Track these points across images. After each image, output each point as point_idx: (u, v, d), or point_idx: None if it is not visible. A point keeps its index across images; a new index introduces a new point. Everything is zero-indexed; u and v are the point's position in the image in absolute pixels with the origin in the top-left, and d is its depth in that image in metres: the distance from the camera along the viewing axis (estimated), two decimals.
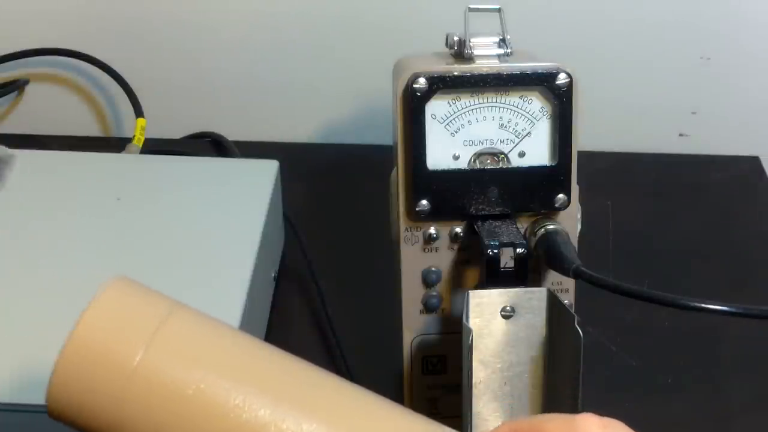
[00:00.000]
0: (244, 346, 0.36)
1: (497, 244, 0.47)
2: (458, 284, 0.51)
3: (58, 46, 0.81)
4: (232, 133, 0.82)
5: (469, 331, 0.44)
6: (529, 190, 0.49)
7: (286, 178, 0.68)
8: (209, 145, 0.82)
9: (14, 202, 0.62)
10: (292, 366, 0.36)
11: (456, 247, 0.50)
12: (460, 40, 0.48)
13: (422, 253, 0.50)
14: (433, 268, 0.50)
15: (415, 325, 0.51)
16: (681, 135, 0.85)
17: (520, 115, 0.49)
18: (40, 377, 0.48)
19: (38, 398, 0.47)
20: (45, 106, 0.86)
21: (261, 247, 0.59)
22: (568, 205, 0.50)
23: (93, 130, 0.87)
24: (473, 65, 0.48)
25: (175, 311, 0.35)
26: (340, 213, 0.75)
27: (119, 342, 0.34)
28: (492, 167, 0.49)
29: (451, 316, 0.51)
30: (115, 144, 0.78)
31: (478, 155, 0.49)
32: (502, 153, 0.49)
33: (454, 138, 0.49)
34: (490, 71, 0.48)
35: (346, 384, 0.36)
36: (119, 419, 0.33)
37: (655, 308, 0.44)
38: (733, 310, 0.42)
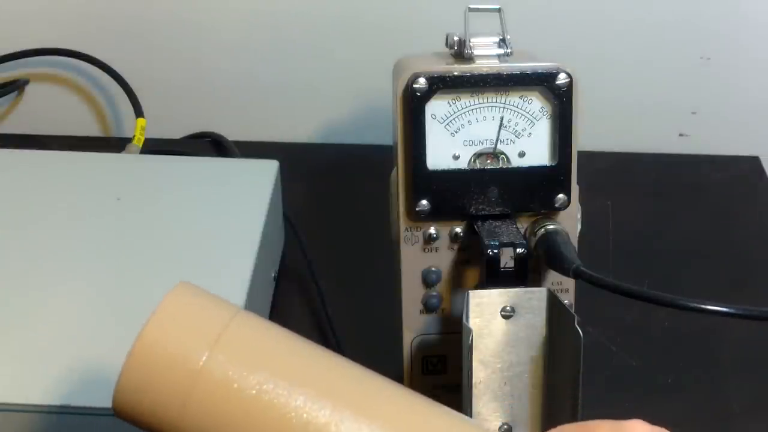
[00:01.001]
0: (304, 349, 0.37)
1: (497, 244, 0.47)
2: (458, 284, 0.51)
3: (58, 46, 0.81)
4: (232, 133, 0.82)
5: (469, 331, 0.44)
6: (529, 190, 0.49)
7: (286, 178, 0.68)
8: (209, 145, 0.82)
9: (14, 202, 0.62)
10: (350, 369, 0.37)
11: (456, 247, 0.50)
12: (460, 40, 0.48)
13: (422, 253, 0.50)
14: (433, 268, 0.50)
15: (415, 325, 0.51)
16: (681, 135, 0.85)
17: (520, 115, 0.49)
18: (44, 378, 0.48)
19: (44, 399, 0.47)
20: (45, 106, 0.86)
21: (261, 247, 0.59)
22: (568, 205, 0.50)
23: (93, 130, 0.87)
24: (473, 65, 0.48)
25: (237, 315, 0.36)
26: (340, 213, 0.75)
27: (185, 344, 0.35)
28: (492, 167, 0.49)
29: (451, 316, 0.51)
30: (115, 144, 0.78)
31: (478, 155, 0.49)
32: (502, 153, 0.49)
33: (454, 138, 0.49)
34: (490, 71, 0.48)
35: (401, 387, 0.37)
36: (183, 418, 0.34)
37: (655, 308, 0.44)
38: (732, 311, 0.42)
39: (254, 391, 0.34)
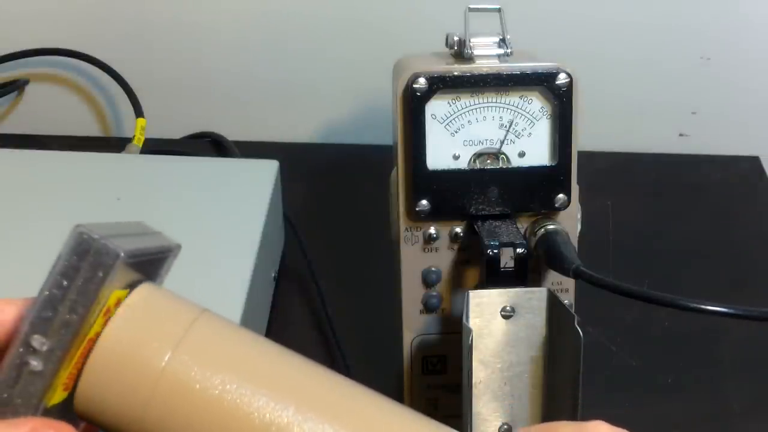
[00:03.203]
0: (268, 351, 0.37)
1: (497, 244, 0.47)
2: (458, 284, 0.51)
3: (58, 46, 0.81)
4: (232, 133, 0.82)
5: (469, 331, 0.44)
6: (529, 190, 0.49)
7: (286, 178, 0.68)
8: (209, 145, 0.82)
9: (14, 202, 0.62)
10: (314, 371, 0.37)
11: (456, 247, 0.50)
12: (460, 40, 0.48)
13: (422, 253, 0.50)
14: (433, 268, 0.50)
15: (415, 325, 0.51)
16: (681, 135, 0.85)
17: (520, 115, 0.49)
18: None
19: None
20: (45, 106, 0.86)
21: (261, 247, 0.59)
22: (568, 205, 0.50)
23: (93, 130, 0.87)
24: (473, 65, 0.48)
25: (201, 316, 0.36)
26: (340, 213, 0.75)
27: (148, 344, 0.35)
28: (492, 167, 0.49)
29: (451, 316, 0.51)
30: (115, 144, 0.78)
31: (478, 155, 0.49)
32: (502, 153, 0.49)
33: (454, 138, 0.49)
34: (490, 71, 0.48)
35: (364, 389, 0.37)
36: (146, 419, 0.34)
37: (655, 308, 0.44)
38: (732, 311, 0.42)
39: (217, 391, 0.34)
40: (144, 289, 0.36)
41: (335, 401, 0.35)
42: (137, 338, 0.35)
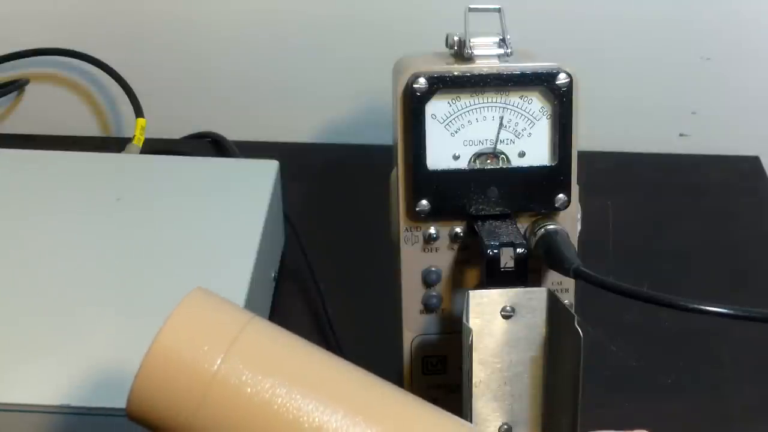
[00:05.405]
0: (316, 355, 0.38)
1: (497, 244, 0.47)
2: (458, 284, 0.51)
3: (58, 46, 0.81)
4: (232, 133, 0.82)
5: (469, 331, 0.44)
6: (529, 190, 0.49)
7: (286, 178, 0.68)
8: (209, 145, 0.82)
9: (14, 201, 0.62)
10: (360, 376, 0.38)
11: (456, 247, 0.50)
12: (460, 40, 0.49)
13: (422, 253, 0.50)
14: (433, 268, 0.50)
15: (415, 325, 0.51)
16: (681, 135, 0.85)
17: (520, 115, 0.49)
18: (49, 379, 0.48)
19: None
20: (45, 106, 0.86)
21: (261, 247, 0.59)
22: (568, 205, 0.50)
23: (93, 130, 0.87)
24: (473, 65, 0.48)
25: (252, 321, 0.37)
26: (340, 213, 0.75)
27: (200, 348, 0.35)
28: (492, 167, 0.49)
29: (451, 316, 0.51)
30: (115, 144, 0.78)
31: (478, 155, 0.49)
32: (502, 153, 0.49)
33: (454, 138, 0.49)
34: (490, 71, 0.48)
35: (411, 396, 0.38)
36: (197, 422, 0.35)
37: (655, 308, 0.44)
38: (732, 312, 0.42)
39: (268, 395, 0.34)
40: (195, 294, 0.37)
41: (383, 407, 0.36)
42: (190, 342, 0.35)
